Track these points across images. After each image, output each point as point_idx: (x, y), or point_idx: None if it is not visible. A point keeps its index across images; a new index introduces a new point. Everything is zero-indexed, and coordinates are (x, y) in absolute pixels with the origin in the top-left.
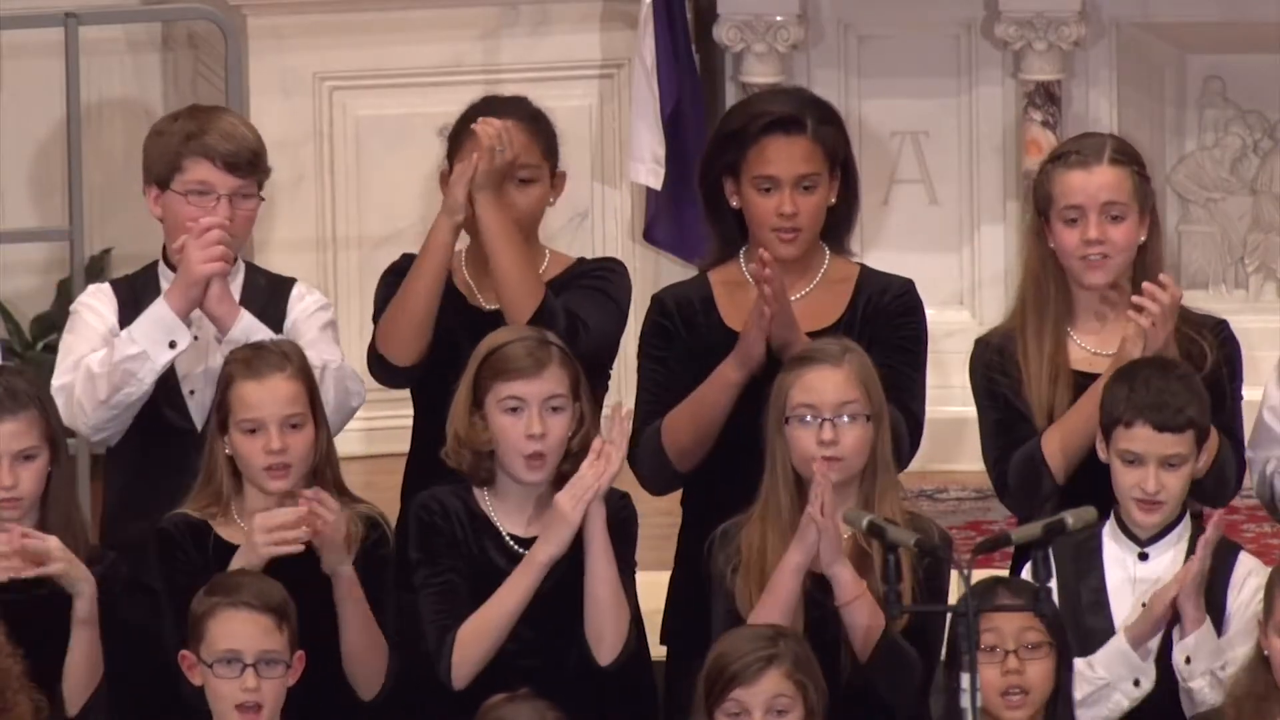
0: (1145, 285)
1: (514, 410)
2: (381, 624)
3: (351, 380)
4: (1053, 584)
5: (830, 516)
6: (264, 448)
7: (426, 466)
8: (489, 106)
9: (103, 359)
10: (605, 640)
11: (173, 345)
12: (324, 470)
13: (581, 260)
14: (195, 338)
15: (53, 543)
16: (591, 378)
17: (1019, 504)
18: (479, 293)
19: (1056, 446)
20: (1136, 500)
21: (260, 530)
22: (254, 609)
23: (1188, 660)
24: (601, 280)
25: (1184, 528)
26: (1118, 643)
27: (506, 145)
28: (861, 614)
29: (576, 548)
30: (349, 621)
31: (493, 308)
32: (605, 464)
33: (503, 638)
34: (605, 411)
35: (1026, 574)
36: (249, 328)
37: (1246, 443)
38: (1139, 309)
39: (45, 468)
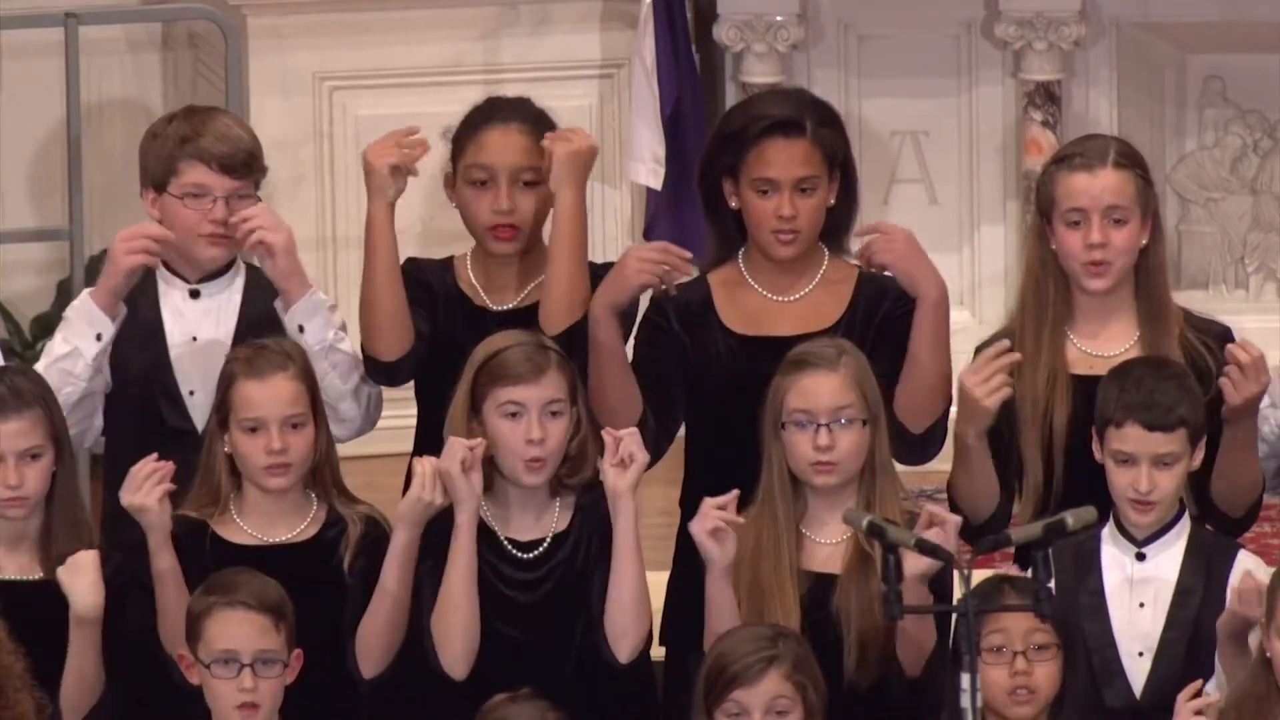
0: (1229, 349)
1: (513, 415)
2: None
3: (374, 388)
4: (1053, 584)
5: None
6: (265, 447)
7: None
8: (491, 108)
9: (43, 363)
10: (628, 638)
11: (99, 337)
12: (323, 470)
13: (591, 265)
14: (194, 339)
15: (86, 558)
16: None
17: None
18: (485, 293)
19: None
20: (1131, 500)
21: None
22: (250, 609)
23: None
24: None
25: (1181, 528)
26: None
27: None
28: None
29: (574, 554)
30: (387, 593)
31: (500, 308)
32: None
33: (469, 614)
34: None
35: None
36: (315, 305)
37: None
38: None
39: (50, 467)
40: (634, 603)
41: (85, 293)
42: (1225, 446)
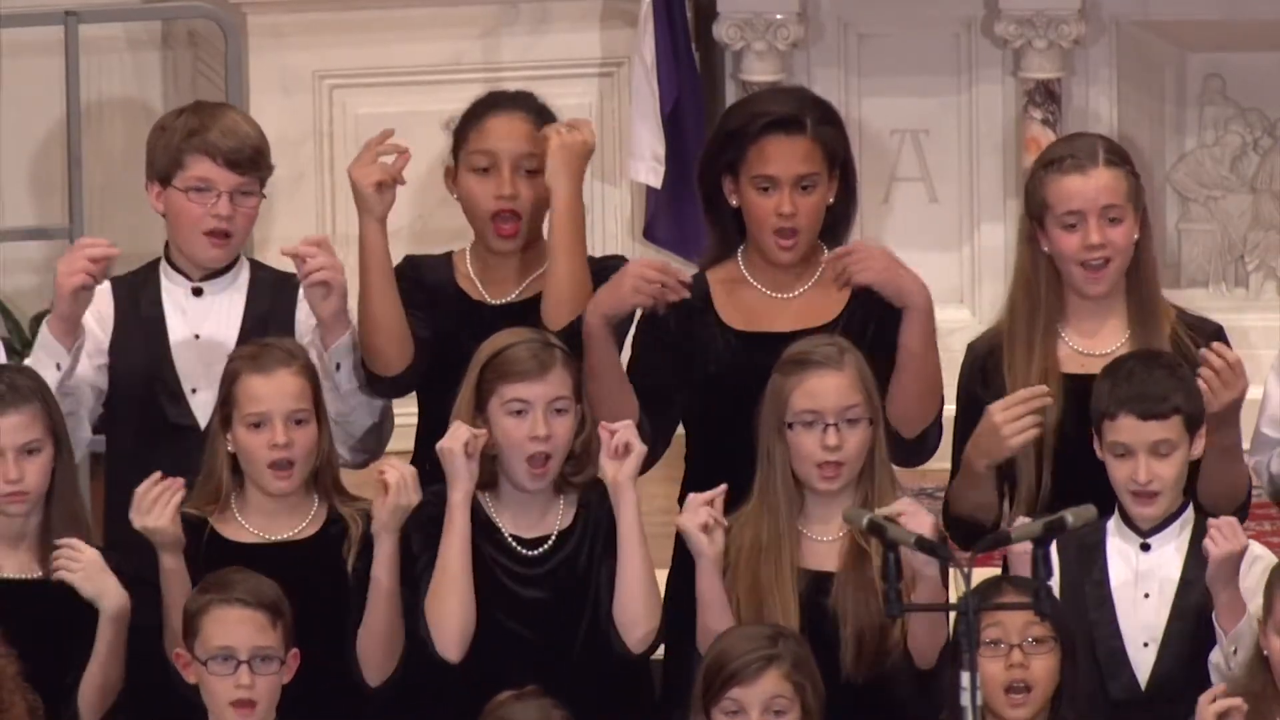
0: (1203, 354)
1: (519, 413)
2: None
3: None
4: (1053, 582)
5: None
6: (269, 441)
7: (430, 465)
8: (494, 98)
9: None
10: (639, 627)
11: (58, 367)
12: (324, 472)
13: (590, 259)
14: (197, 336)
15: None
16: None
17: (955, 538)
18: (484, 287)
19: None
20: (1132, 493)
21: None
22: (247, 606)
23: (1236, 651)
24: None
25: (1185, 519)
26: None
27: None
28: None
29: (578, 552)
30: (381, 600)
31: (498, 302)
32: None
33: (464, 594)
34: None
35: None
36: (351, 345)
37: (1247, 448)
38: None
39: (49, 462)
40: (643, 592)
41: (45, 321)
42: (1208, 452)
